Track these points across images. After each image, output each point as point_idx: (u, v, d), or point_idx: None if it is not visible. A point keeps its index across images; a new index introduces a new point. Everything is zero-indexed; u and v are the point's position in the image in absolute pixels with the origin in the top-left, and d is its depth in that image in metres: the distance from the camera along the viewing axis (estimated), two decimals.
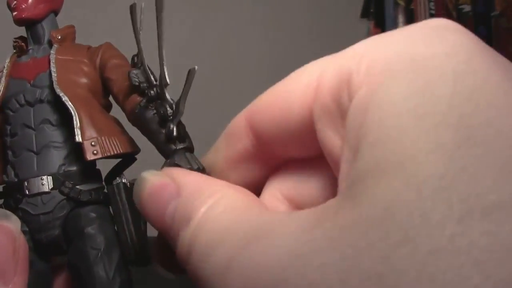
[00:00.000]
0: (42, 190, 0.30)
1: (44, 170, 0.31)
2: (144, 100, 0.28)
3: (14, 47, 0.34)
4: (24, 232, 0.28)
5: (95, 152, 0.30)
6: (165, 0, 0.24)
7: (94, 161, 0.30)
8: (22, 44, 0.34)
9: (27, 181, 0.30)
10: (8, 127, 0.32)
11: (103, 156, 0.30)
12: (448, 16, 1.06)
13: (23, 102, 0.32)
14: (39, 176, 0.30)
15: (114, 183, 0.29)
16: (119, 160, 0.33)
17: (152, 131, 0.27)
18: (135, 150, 0.31)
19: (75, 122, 0.30)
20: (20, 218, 0.29)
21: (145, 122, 0.28)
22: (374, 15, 1.11)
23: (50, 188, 0.30)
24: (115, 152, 0.30)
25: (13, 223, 0.27)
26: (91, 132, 0.30)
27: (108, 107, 0.33)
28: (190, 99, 0.25)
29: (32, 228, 0.30)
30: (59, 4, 0.35)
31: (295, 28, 1.11)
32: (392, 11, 1.09)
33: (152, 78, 0.28)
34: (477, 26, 1.04)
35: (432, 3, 1.07)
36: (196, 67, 0.24)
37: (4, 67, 0.33)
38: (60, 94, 0.30)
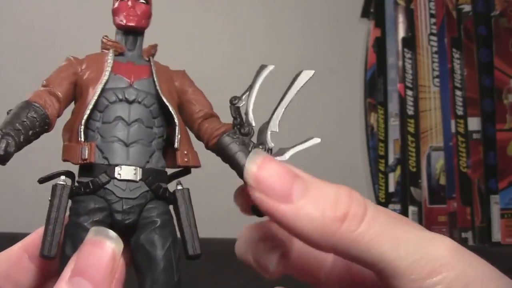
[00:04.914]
0: (133, 179, 0.34)
1: (134, 162, 0.35)
2: (231, 132, 0.35)
3: (104, 47, 0.37)
4: (102, 208, 0.34)
5: (186, 160, 0.36)
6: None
7: (165, 166, 0.36)
8: (121, 46, 0.37)
9: (119, 167, 0.34)
10: (99, 114, 0.35)
11: (191, 165, 0.36)
12: (448, 16, 1.06)
13: (121, 97, 0.35)
14: (132, 166, 0.34)
15: (183, 187, 0.36)
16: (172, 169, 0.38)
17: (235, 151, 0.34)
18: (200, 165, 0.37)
19: (177, 131, 0.35)
20: (102, 197, 0.34)
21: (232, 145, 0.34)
22: (374, 15, 1.11)
23: (139, 178, 0.34)
24: (198, 164, 0.36)
25: (116, 244, 0.28)
26: (184, 143, 0.36)
27: None
28: None
29: (113, 209, 0.34)
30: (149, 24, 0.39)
31: (295, 28, 1.11)
32: (392, 11, 1.09)
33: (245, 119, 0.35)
34: (477, 26, 1.04)
35: (432, 3, 1.07)
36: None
37: (107, 60, 0.36)
38: (167, 104, 0.35)
